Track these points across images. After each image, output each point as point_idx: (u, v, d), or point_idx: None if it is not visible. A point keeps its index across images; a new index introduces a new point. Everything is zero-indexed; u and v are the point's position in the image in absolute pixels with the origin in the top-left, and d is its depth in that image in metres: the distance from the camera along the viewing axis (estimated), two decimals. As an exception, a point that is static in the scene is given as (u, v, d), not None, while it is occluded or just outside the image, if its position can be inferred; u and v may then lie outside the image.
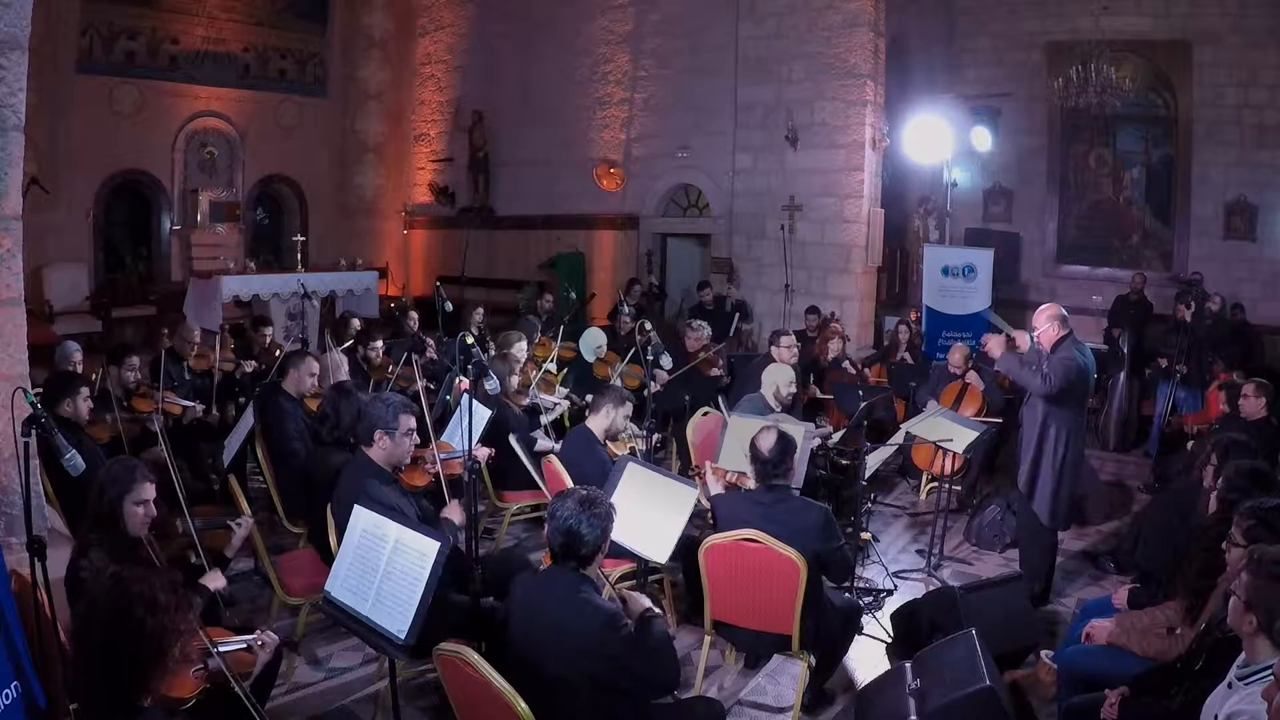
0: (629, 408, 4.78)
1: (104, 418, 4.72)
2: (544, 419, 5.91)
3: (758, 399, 5.40)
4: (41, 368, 4.91)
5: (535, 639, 2.66)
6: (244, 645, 2.51)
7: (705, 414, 5.63)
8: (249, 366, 6.64)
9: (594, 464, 4.38)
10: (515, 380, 5.73)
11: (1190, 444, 6.13)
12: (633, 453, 4.73)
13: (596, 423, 4.66)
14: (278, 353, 6.53)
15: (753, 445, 3.65)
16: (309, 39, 13.34)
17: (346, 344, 6.74)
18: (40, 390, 3.56)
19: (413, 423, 3.76)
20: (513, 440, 4.90)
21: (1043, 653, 3.68)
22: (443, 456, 3.99)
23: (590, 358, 7.42)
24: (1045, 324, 4.58)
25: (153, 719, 2.06)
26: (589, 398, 5.15)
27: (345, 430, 4.24)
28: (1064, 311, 4.65)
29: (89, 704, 2.05)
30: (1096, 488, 6.35)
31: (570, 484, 4.14)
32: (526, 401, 5.83)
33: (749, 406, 5.30)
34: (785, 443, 3.63)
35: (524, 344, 6.21)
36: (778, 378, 5.40)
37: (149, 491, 3.01)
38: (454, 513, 3.61)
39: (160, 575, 2.21)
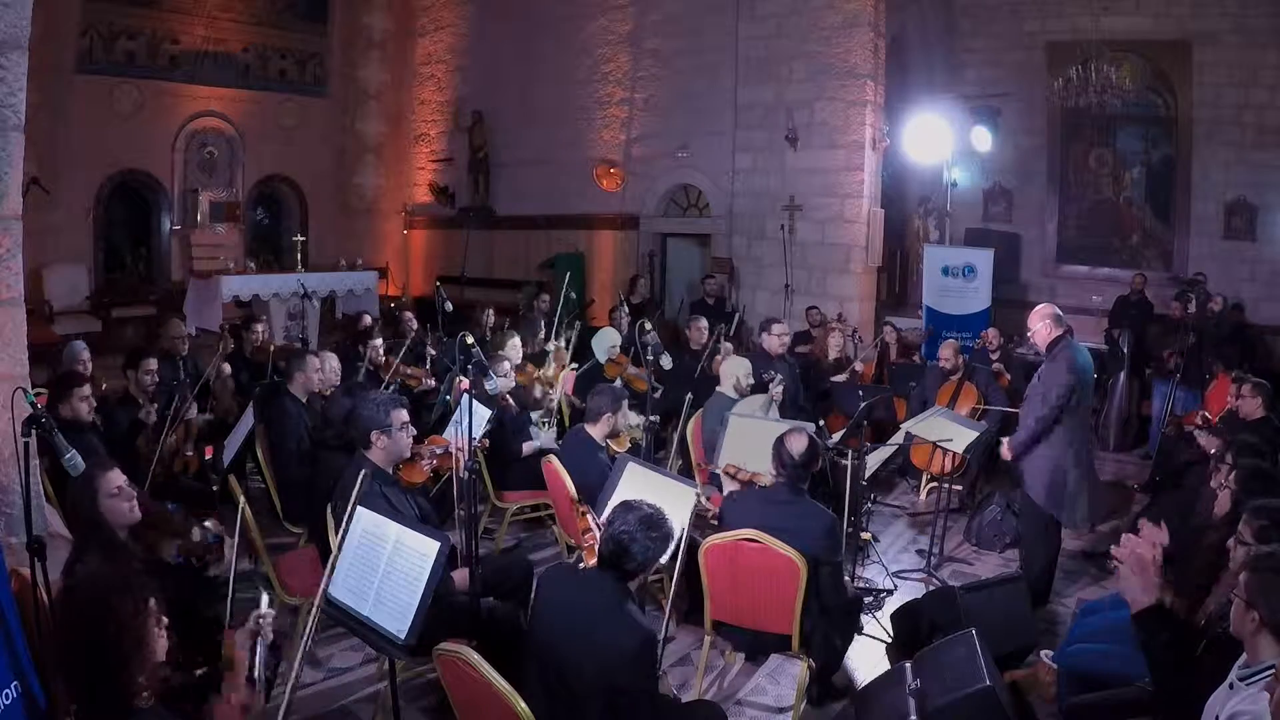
0: (625, 405, 4.79)
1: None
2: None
3: (721, 397, 5.39)
4: (42, 367, 4.91)
5: (564, 640, 2.64)
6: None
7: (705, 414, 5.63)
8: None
9: (594, 468, 4.38)
10: (511, 380, 5.73)
11: (1196, 428, 6.03)
12: (634, 447, 4.73)
13: (597, 430, 4.66)
14: (270, 348, 6.53)
15: (781, 443, 3.66)
16: (309, 39, 13.34)
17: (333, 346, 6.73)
18: (40, 390, 3.55)
19: (405, 414, 3.75)
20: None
21: (1043, 653, 3.67)
22: (438, 451, 3.99)
23: (603, 358, 7.39)
24: (1039, 324, 4.55)
25: None
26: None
27: (338, 432, 4.23)
28: (1058, 311, 4.62)
29: (82, 712, 2.06)
30: (1096, 488, 6.33)
31: (570, 484, 4.14)
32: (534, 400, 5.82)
33: (717, 405, 5.29)
34: (813, 450, 3.64)
35: (518, 344, 6.20)
36: (736, 369, 5.41)
37: (117, 477, 2.93)
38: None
39: (116, 578, 2.19)
